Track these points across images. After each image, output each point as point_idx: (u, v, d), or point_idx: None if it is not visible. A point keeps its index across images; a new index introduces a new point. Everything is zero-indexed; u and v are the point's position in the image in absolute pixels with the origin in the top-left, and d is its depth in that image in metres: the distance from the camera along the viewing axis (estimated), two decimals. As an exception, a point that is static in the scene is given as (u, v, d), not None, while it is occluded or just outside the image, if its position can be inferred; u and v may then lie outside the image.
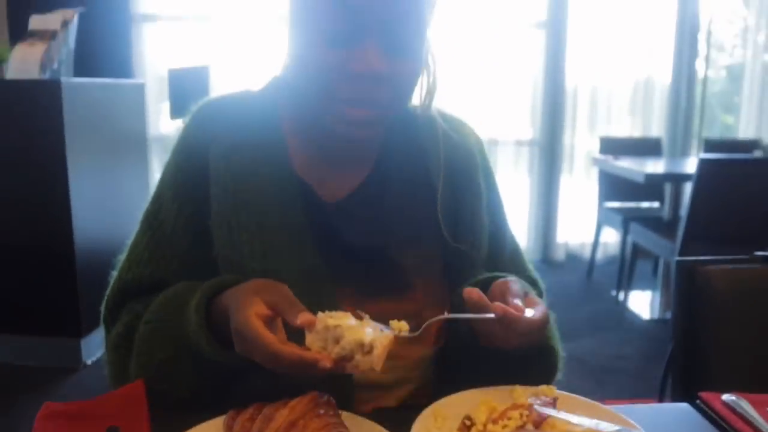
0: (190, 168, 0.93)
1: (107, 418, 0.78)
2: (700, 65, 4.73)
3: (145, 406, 0.80)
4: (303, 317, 0.72)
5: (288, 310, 0.74)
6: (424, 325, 0.79)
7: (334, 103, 0.84)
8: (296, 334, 0.74)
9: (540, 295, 1.03)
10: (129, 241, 0.98)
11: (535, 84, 4.67)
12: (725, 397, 0.90)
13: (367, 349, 0.69)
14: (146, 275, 0.93)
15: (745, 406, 0.88)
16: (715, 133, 5.11)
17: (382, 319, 0.81)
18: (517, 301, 0.81)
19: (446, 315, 0.81)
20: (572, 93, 4.67)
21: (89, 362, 2.99)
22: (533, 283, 1.05)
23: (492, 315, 0.78)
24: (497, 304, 0.78)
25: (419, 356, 0.95)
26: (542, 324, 0.81)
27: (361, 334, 0.70)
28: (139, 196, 3.57)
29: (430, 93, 0.97)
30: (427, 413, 0.79)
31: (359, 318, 0.74)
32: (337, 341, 0.70)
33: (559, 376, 0.98)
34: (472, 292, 0.81)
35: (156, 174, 4.04)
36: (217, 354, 0.80)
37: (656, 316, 3.81)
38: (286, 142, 0.95)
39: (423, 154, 1.00)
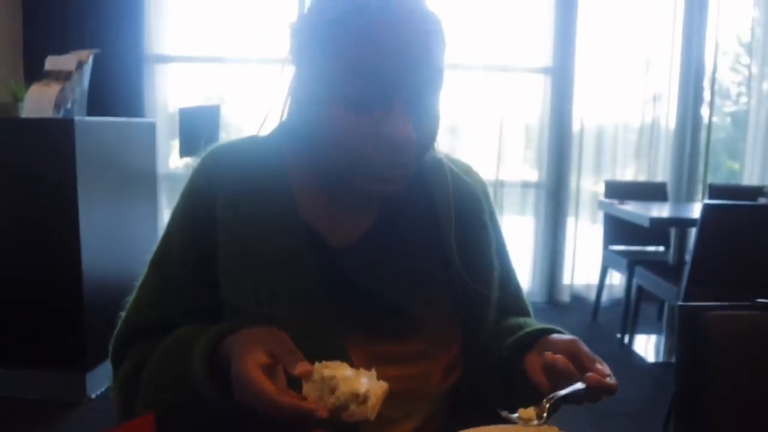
0: (198, 215, 0.95)
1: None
2: (704, 111, 4.80)
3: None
4: (300, 367, 0.74)
5: (287, 359, 0.76)
6: (545, 405, 0.81)
7: (364, 166, 0.86)
8: (297, 381, 0.75)
9: None
10: (137, 283, 1.00)
11: (541, 127, 4.74)
12: (727, 441, 0.91)
13: (361, 399, 0.71)
14: (153, 318, 0.95)
15: (747, 450, 0.88)
16: (720, 178, 5.15)
17: (391, 361, 0.83)
18: (599, 366, 0.83)
19: (553, 395, 0.81)
20: (578, 136, 4.73)
21: (93, 396, 2.99)
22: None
23: (585, 386, 0.79)
24: (591, 375, 0.80)
25: (425, 393, 0.96)
26: (617, 388, 0.82)
27: (357, 385, 0.71)
28: (148, 232, 3.63)
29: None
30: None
31: (357, 368, 0.75)
32: (332, 391, 0.72)
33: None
34: (557, 360, 0.82)
35: (165, 211, 4.10)
36: (221, 401, 0.82)
37: (661, 359, 3.79)
38: (293, 189, 0.96)
39: (431, 198, 1.02)
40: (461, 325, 1.00)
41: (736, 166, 5.19)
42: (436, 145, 1.01)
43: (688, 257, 3.18)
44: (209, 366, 0.82)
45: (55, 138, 2.84)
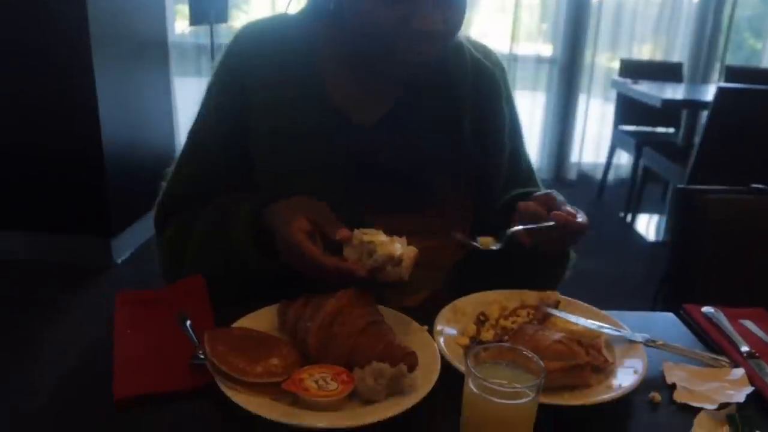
0: (231, 92, 1.02)
1: (175, 304, 0.92)
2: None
3: (207, 294, 0.94)
4: (341, 232, 0.85)
5: (328, 225, 0.86)
6: (508, 233, 0.91)
7: (393, 53, 0.91)
8: (334, 248, 0.86)
9: None
10: (176, 155, 1.09)
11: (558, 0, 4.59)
12: (705, 309, 1.03)
13: (396, 261, 0.81)
14: (194, 188, 1.05)
15: (721, 318, 1.00)
16: (741, 58, 5.03)
17: (410, 233, 0.93)
18: (569, 208, 0.93)
19: (515, 228, 0.91)
20: (596, 9, 4.59)
21: (119, 261, 3.17)
22: None
23: (553, 223, 0.89)
24: (558, 212, 0.90)
25: (439, 264, 1.07)
26: (589, 226, 0.92)
27: (392, 249, 0.82)
28: (162, 98, 3.68)
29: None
30: (447, 310, 0.93)
31: (389, 235, 0.85)
32: (370, 254, 0.83)
33: (567, 275, 1.12)
34: (528, 205, 0.92)
35: (175, 78, 4.09)
36: (263, 263, 0.93)
37: (661, 238, 3.93)
38: (322, 69, 1.02)
39: (451, 80, 1.07)
40: (473, 202, 1.08)
41: (759, 45, 5.06)
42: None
43: (697, 140, 3.22)
44: (252, 232, 0.93)
45: (67, 7, 2.81)
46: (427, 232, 1.02)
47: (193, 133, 1.07)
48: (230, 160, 1.03)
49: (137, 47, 3.38)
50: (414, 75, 0.99)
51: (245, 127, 1.01)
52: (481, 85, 1.09)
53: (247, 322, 0.87)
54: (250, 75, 1.01)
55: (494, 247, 0.90)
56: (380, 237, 0.83)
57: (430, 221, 1.03)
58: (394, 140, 1.04)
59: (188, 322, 0.87)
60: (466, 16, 1.00)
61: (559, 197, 0.96)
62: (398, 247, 0.83)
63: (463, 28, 1.07)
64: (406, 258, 0.81)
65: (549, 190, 0.99)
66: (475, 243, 0.91)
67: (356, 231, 0.84)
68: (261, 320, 0.88)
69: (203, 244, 0.99)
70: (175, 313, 0.90)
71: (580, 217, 0.92)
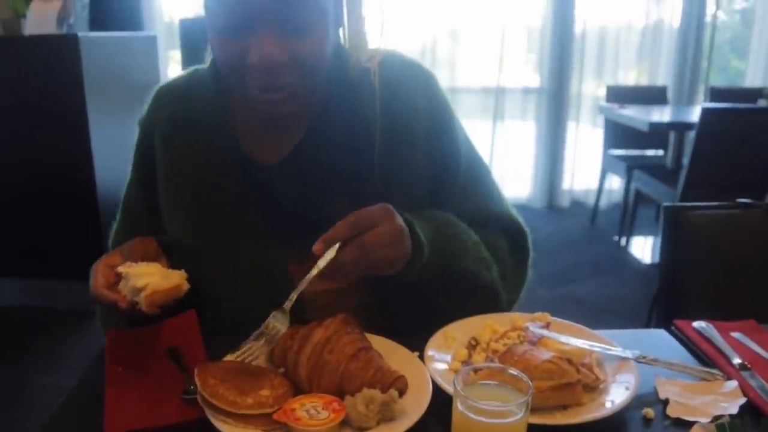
0: (143, 151, 1.08)
1: (167, 340, 0.92)
2: (711, 9, 4.71)
3: (198, 330, 0.94)
4: (122, 267, 0.89)
5: (126, 259, 0.91)
6: (289, 299, 0.84)
7: (248, 88, 0.90)
8: None
9: (520, 235, 1.10)
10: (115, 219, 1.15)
11: (543, 30, 4.68)
12: (696, 324, 1.03)
13: (140, 293, 0.86)
14: (116, 245, 1.06)
15: (712, 331, 1.01)
16: (725, 79, 5.12)
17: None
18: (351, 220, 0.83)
19: (303, 282, 0.84)
20: (580, 39, 4.68)
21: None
22: (506, 224, 1.09)
23: (334, 252, 0.82)
24: (314, 246, 0.82)
25: (354, 305, 0.99)
26: (359, 218, 0.83)
27: (138, 280, 0.86)
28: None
29: (356, 49, 1.00)
30: (438, 335, 0.93)
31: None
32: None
33: (512, 298, 1.06)
34: (316, 249, 0.83)
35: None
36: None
37: (656, 260, 3.94)
38: (230, 116, 1.03)
39: (360, 110, 1.01)
40: None
41: (742, 65, 5.15)
42: (370, 57, 1.01)
43: (685, 160, 3.25)
44: None
45: (60, 54, 2.85)
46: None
47: (123, 197, 1.14)
48: (154, 221, 1.07)
49: (130, 93, 3.42)
50: (283, 112, 0.94)
51: (153, 182, 1.06)
52: (394, 108, 1.01)
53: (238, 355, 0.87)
54: (156, 129, 1.06)
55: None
56: (145, 269, 0.88)
57: None
58: (297, 178, 1.01)
59: (180, 358, 0.87)
60: (366, 35, 0.97)
61: (361, 216, 0.85)
62: (151, 279, 0.87)
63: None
64: (148, 289, 0.86)
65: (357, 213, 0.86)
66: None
67: (126, 263, 0.90)
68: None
69: None
70: (166, 349, 0.90)
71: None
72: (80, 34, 2.87)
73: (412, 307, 0.97)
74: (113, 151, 3.16)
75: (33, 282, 3.15)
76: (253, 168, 1.01)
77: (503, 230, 1.09)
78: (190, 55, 3.69)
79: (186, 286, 0.90)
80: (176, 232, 1.03)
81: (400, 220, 0.86)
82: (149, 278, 0.86)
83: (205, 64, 1.08)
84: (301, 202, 1.00)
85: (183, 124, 1.03)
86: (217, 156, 1.01)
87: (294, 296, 0.85)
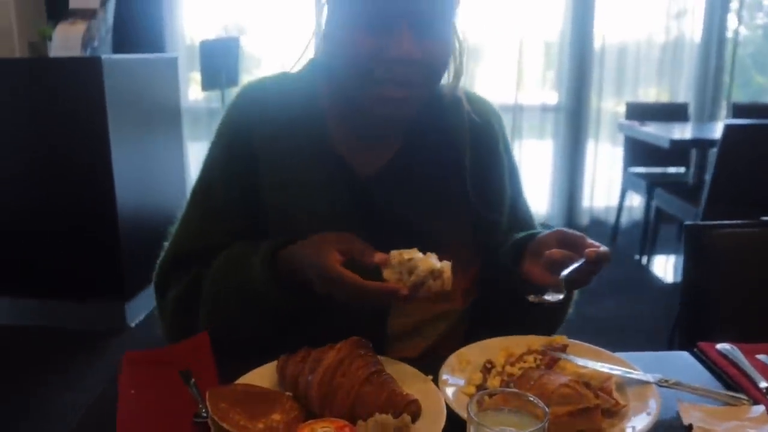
0: (238, 149, 1.03)
1: (180, 363, 0.91)
2: (732, 24, 4.66)
3: (211, 352, 0.93)
4: (378, 256, 0.86)
5: (362, 252, 0.87)
6: (562, 279, 0.89)
7: (371, 84, 0.92)
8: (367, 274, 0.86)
9: None
10: (179, 215, 1.09)
11: (561, 46, 4.65)
12: (720, 346, 1.01)
13: (437, 274, 0.84)
14: (199, 246, 1.04)
15: (737, 354, 0.98)
16: (748, 95, 5.05)
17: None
18: (590, 241, 0.92)
19: (566, 272, 0.89)
20: (599, 55, 4.64)
21: (133, 324, 3.18)
22: None
23: (583, 260, 0.88)
24: (588, 250, 0.88)
25: (446, 311, 1.06)
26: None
27: (431, 263, 0.84)
28: (175, 163, 3.74)
29: (457, 75, 1.05)
30: (452, 358, 0.91)
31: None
32: (410, 272, 0.84)
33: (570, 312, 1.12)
34: (554, 254, 0.90)
35: (188, 143, 4.18)
36: (284, 301, 0.93)
37: (678, 280, 3.87)
38: (326, 121, 1.04)
39: (449, 132, 1.09)
40: (477, 248, 1.08)
41: (765, 81, 5.07)
42: (458, 83, 1.07)
43: (707, 177, 3.21)
44: (272, 271, 0.93)
45: (84, 76, 2.91)
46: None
47: (197, 191, 1.08)
48: (236, 215, 1.03)
49: (151, 114, 3.47)
50: (400, 115, 0.97)
51: (253, 179, 1.02)
52: (479, 139, 1.10)
53: (249, 378, 0.86)
54: (254, 128, 1.03)
55: (561, 296, 0.89)
56: (416, 254, 0.86)
57: None
58: (394, 189, 1.05)
59: (192, 380, 0.87)
60: (464, 63, 1.02)
61: (570, 231, 0.95)
62: (435, 260, 0.85)
63: (462, 82, 1.10)
64: (446, 269, 0.84)
65: (555, 229, 0.98)
66: (546, 297, 0.89)
67: (393, 252, 0.86)
68: (263, 376, 0.87)
69: (219, 293, 0.99)
70: (179, 371, 0.89)
71: (602, 247, 0.91)
72: (103, 56, 2.93)
73: (509, 321, 1.03)
74: (134, 172, 3.20)
75: (52, 301, 3.18)
76: (349, 176, 1.03)
77: None
78: (209, 76, 3.75)
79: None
80: (288, 225, 1.00)
81: None
82: (432, 261, 0.85)
83: (293, 70, 1.09)
84: (400, 213, 1.04)
85: (282, 125, 1.02)
86: (315, 161, 1.01)
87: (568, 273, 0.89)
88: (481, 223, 1.07)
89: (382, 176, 1.05)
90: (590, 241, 0.92)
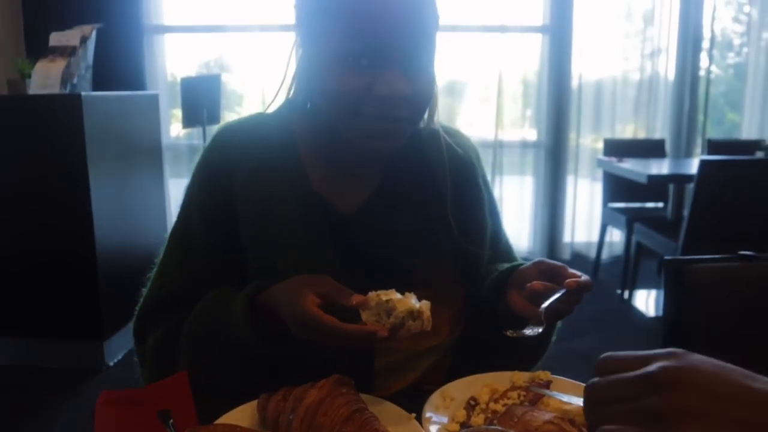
0: (216, 190, 1.01)
1: (158, 402, 0.89)
2: (704, 64, 4.79)
3: (190, 392, 0.91)
4: (356, 298, 0.84)
5: (340, 295, 0.85)
6: (541, 314, 0.89)
7: (360, 120, 0.92)
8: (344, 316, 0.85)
9: None
10: (157, 259, 1.06)
11: (540, 85, 4.76)
12: (703, 380, 1.00)
13: (416, 315, 0.82)
14: (179, 291, 1.02)
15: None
16: (722, 131, 5.17)
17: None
18: (572, 271, 0.92)
19: (545, 305, 0.89)
20: (576, 93, 4.74)
21: (111, 363, 3.11)
22: None
23: (564, 290, 0.89)
24: (568, 281, 0.89)
25: (432, 346, 1.05)
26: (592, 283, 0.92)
27: (410, 304, 0.83)
28: (156, 202, 3.71)
29: (432, 108, 1.06)
30: (435, 396, 0.90)
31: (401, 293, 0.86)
32: (389, 313, 0.82)
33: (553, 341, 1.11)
34: (535, 286, 0.90)
35: (169, 180, 4.16)
36: (265, 347, 0.90)
37: (661, 313, 3.87)
38: (303, 160, 1.03)
39: (429, 165, 1.09)
40: (461, 281, 1.08)
41: (738, 118, 5.21)
42: (434, 117, 1.08)
43: (686, 212, 3.25)
44: (251, 316, 0.90)
45: (63, 113, 2.90)
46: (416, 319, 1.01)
47: (175, 235, 1.05)
48: (215, 259, 1.01)
49: (132, 151, 3.46)
50: (386, 149, 0.98)
51: (232, 222, 1.00)
52: (458, 170, 1.10)
53: (229, 418, 0.84)
54: (231, 171, 1.01)
55: (540, 329, 0.88)
56: (394, 295, 0.84)
57: None
58: (376, 226, 1.04)
59: (171, 421, 0.84)
60: (437, 97, 1.02)
61: (551, 261, 0.96)
62: (414, 301, 0.83)
63: (442, 118, 1.12)
64: (425, 309, 0.82)
65: (536, 259, 0.98)
66: (525, 332, 0.88)
67: (371, 294, 0.84)
68: (244, 415, 0.85)
69: (198, 340, 0.97)
70: (157, 411, 0.87)
71: (583, 276, 0.92)
72: (83, 93, 2.92)
73: (490, 356, 1.02)
74: (114, 209, 3.17)
75: (28, 340, 3.11)
76: (331, 215, 1.02)
77: None
78: (190, 112, 3.76)
79: None
80: (268, 269, 0.97)
81: None
82: (409, 302, 0.83)
83: (269, 110, 1.08)
84: (381, 252, 1.02)
85: (260, 165, 1.01)
86: (297, 202, 0.99)
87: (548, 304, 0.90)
88: (463, 256, 1.07)
89: (363, 214, 1.05)
90: (571, 271, 0.92)
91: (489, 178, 1.22)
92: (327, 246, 0.99)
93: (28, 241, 3.04)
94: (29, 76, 3.01)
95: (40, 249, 3.03)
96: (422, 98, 0.94)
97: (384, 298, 0.82)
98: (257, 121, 1.07)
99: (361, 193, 1.06)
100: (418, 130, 1.08)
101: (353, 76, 0.90)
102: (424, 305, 0.83)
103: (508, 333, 0.89)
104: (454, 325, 1.07)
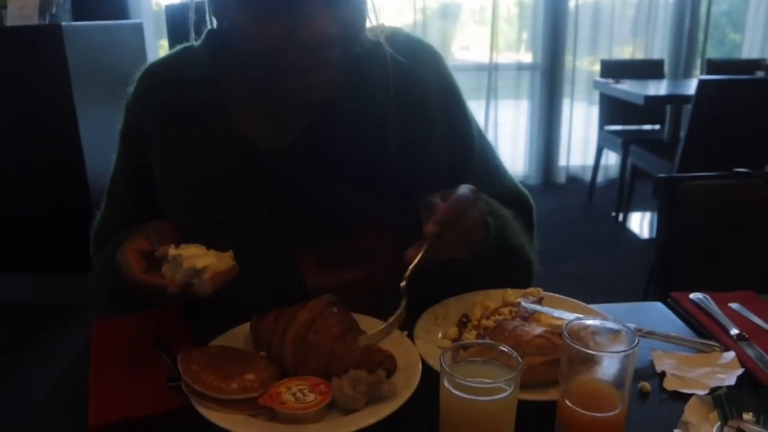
0: (134, 138, 0.99)
1: (151, 328, 0.90)
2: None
3: (184, 317, 0.92)
4: (161, 249, 0.80)
5: (157, 243, 0.82)
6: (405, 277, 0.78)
7: (286, 72, 0.80)
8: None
9: (528, 209, 1.07)
10: (102, 201, 1.09)
11: (536, 6, 4.62)
12: (693, 295, 1.01)
13: (200, 274, 0.78)
14: (112, 235, 1.03)
15: (710, 303, 0.99)
16: (722, 51, 5.07)
17: (342, 263, 0.90)
18: (437, 201, 0.81)
19: (406, 274, 0.79)
20: (573, 14, 4.62)
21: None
22: (515, 198, 1.06)
23: (428, 239, 0.78)
24: (425, 227, 0.78)
25: (377, 290, 0.89)
26: (461, 201, 0.81)
27: (195, 261, 0.78)
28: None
29: (371, 20, 0.89)
30: (428, 314, 0.91)
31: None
32: (180, 269, 0.79)
33: (534, 280, 1.04)
34: (431, 232, 0.78)
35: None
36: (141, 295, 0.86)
37: (654, 235, 3.91)
38: (226, 99, 0.95)
39: (370, 88, 0.94)
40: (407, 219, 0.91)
41: (739, 38, 5.09)
42: (377, 25, 0.93)
43: (682, 134, 3.22)
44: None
45: (44, 45, 2.80)
46: (358, 259, 0.95)
47: (109, 181, 1.06)
48: (141, 207, 0.99)
49: (118, 83, 3.36)
50: (322, 97, 0.87)
51: (150, 171, 0.98)
52: (406, 90, 0.95)
53: (222, 340, 0.85)
54: (147, 115, 0.97)
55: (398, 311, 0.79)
56: (194, 251, 0.80)
57: (362, 248, 0.95)
58: (304, 167, 0.94)
59: (164, 345, 0.85)
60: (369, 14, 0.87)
61: (435, 197, 0.84)
62: (207, 260, 0.79)
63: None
64: (209, 270, 0.77)
65: (456, 194, 0.83)
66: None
67: (171, 246, 0.81)
68: (237, 337, 0.86)
69: (99, 272, 1.00)
70: (152, 337, 0.88)
71: (443, 203, 0.81)
72: (63, 23, 2.82)
73: (453, 286, 0.95)
74: (103, 141, 3.11)
75: (18, 277, 3.12)
76: (253, 156, 0.94)
77: (515, 204, 1.04)
78: (177, 42, 3.64)
79: (237, 267, 0.81)
80: (175, 222, 0.94)
81: (482, 203, 0.86)
82: (205, 259, 0.78)
83: (194, 43, 1.00)
84: (308, 192, 0.94)
85: (177, 109, 0.95)
86: (214, 144, 0.94)
87: (408, 275, 0.78)
88: (405, 189, 0.93)
89: (288, 154, 0.94)
90: (436, 201, 0.82)
91: (483, 102, 1.14)
92: (248, 188, 0.93)
93: (17, 176, 3.00)
94: (5, 6, 2.90)
95: (30, 184, 3.00)
96: (353, 32, 0.82)
97: (173, 252, 0.79)
98: (179, 58, 1.00)
99: (289, 131, 0.96)
100: (359, 48, 0.92)
101: (269, 21, 0.77)
102: (213, 266, 0.78)
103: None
104: (398, 270, 0.88)
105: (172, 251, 0.79)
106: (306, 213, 0.94)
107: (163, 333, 0.89)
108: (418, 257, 0.78)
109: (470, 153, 1.02)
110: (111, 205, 1.07)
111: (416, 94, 0.96)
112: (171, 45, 3.59)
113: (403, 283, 0.78)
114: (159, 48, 4.41)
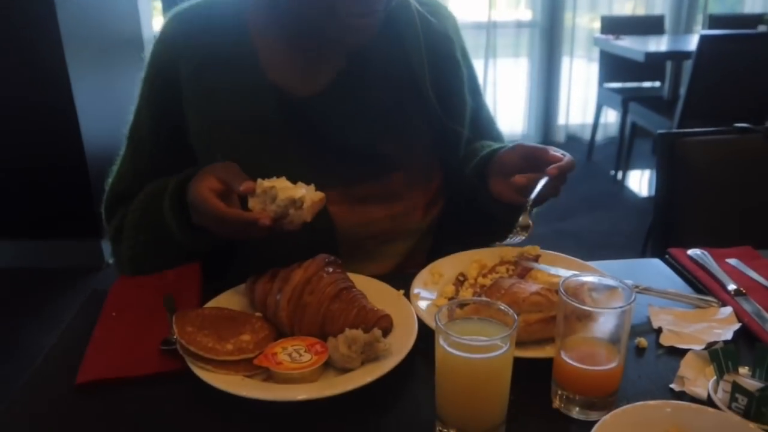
0: (163, 85, 0.98)
1: (167, 289, 0.89)
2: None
3: (199, 280, 0.91)
4: (245, 184, 0.80)
5: (234, 180, 0.82)
6: (528, 208, 0.89)
7: (334, 19, 0.86)
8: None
9: None
10: (119, 153, 1.06)
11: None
12: (691, 251, 1.01)
13: (298, 204, 0.79)
14: (134, 186, 1.01)
15: (707, 258, 0.98)
16: (724, 6, 4.98)
17: (372, 201, 0.93)
18: (554, 153, 0.89)
19: (533, 195, 0.87)
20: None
21: (111, 261, 3.15)
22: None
23: (547, 177, 0.86)
24: (550, 168, 0.86)
25: (408, 229, 1.02)
26: (574, 162, 0.89)
27: (293, 192, 0.79)
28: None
29: None
30: (424, 272, 0.90)
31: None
32: (273, 201, 0.79)
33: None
34: (518, 180, 0.88)
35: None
36: (188, 236, 0.89)
37: (653, 193, 3.90)
38: (255, 46, 0.97)
39: (401, 39, 1.01)
40: (439, 160, 1.04)
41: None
42: None
43: (682, 91, 3.18)
44: (178, 206, 0.89)
45: (35, 9, 2.75)
46: (389, 198, 0.99)
47: (130, 130, 1.04)
48: (167, 155, 0.99)
49: (112, 45, 3.32)
50: (363, 41, 0.92)
51: (180, 118, 0.97)
52: (433, 40, 1.03)
53: (218, 301, 0.85)
54: (179, 63, 0.96)
55: (523, 237, 0.88)
56: (283, 183, 0.80)
57: (392, 187, 0.99)
58: (340, 110, 0.98)
59: (172, 306, 0.84)
60: None
61: (530, 144, 0.93)
62: (302, 191, 0.80)
63: None
64: (308, 200, 0.79)
65: (515, 143, 0.95)
66: (510, 240, 0.88)
67: (258, 180, 0.81)
68: (233, 299, 0.86)
69: (136, 220, 0.97)
70: (164, 297, 0.87)
71: (565, 156, 0.89)
72: (54, -17, 2.76)
73: (471, 232, 1.03)
74: (98, 106, 3.08)
75: (26, 242, 3.12)
76: (288, 102, 0.96)
77: None
78: (170, 2, 3.58)
79: (326, 196, 0.82)
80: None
81: None
82: (299, 190, 0.79)
83: None
84: (343, 135, 0.97)
85: (208, 54, 0.95)
86: (248, 89, 0.95)
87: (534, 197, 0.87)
88: (443, 135, 1.02)
89: (323, 99, 0.98)
90: (553, 153, 0.89)
91: (482, 60, 1.17)
92: (282, 134, 0.94)
93: (16, 143, 2.97)
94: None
95: (28, 151, 2.97)
96: None
97: (267, 185, 0.79)
98: (208, 5, 1.00)
99: (323, 76, 0.99)
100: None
101: None
102: (309, 196, 0.79)
103: (495, 245, 0.90)
104: (428, 208, 1.03)
105: (265, 184, 0.80)
106: (339, 155, 0.97)
107: (176, 295, 0.88)
108: (540, 185, 0.86)
109: (480, 104, 1.12)
110: (132, 154, 1.04)
111: (444, 49, 1.04)
112: (164, 6, 3.53)
113: (530, 198, 0.87)
114: (153, 9, 4.32)
